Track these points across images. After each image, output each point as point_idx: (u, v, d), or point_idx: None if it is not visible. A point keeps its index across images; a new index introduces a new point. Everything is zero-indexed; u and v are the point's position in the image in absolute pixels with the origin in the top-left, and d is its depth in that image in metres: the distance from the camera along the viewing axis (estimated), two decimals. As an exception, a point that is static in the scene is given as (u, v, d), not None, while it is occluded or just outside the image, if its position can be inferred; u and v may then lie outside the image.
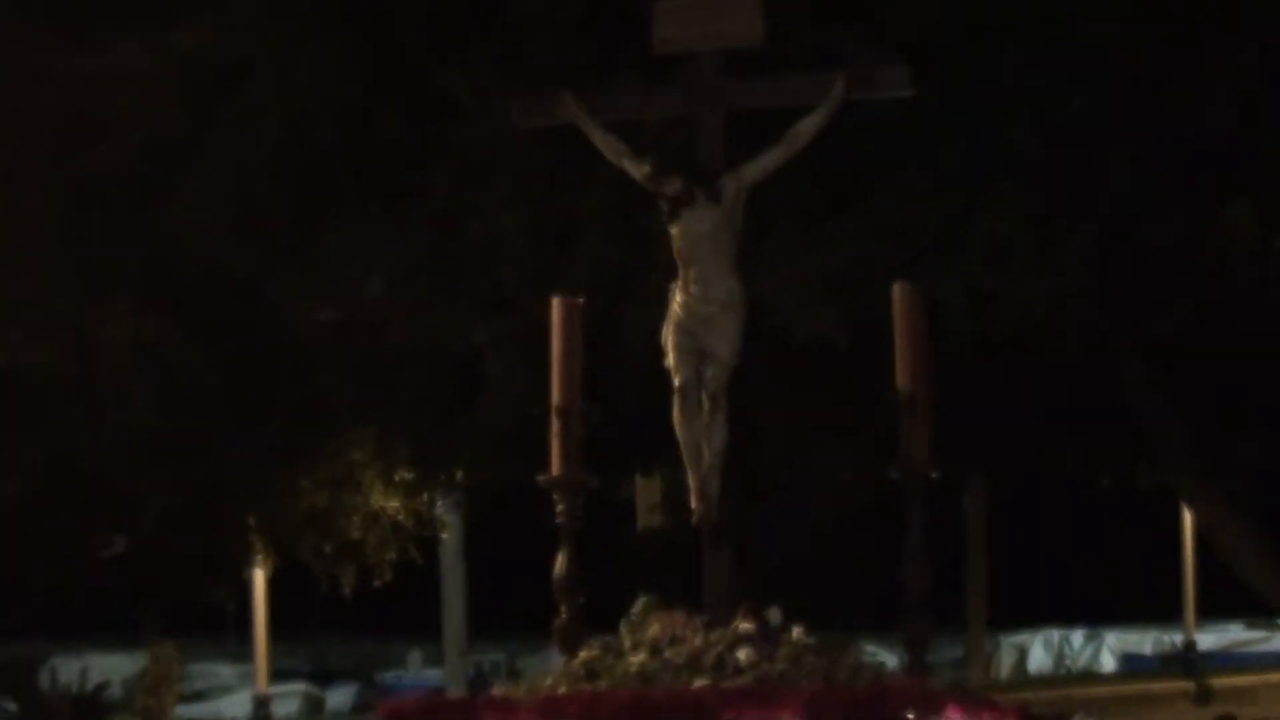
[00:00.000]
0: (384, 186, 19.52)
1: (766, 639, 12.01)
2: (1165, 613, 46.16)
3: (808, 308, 17.10)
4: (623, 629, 12.44)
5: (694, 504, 12.64)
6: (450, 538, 30.91)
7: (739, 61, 12.88)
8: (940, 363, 18.30)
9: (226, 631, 38.45)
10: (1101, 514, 31.63)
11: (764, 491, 21.35)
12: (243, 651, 39.24)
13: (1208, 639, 45.99)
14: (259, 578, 31.79)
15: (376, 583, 25.95)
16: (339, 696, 42.54)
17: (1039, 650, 51.47)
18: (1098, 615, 50.59)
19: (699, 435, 12.59)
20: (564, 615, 12.83)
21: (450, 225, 18.61)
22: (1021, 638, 51.09)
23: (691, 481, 12.60)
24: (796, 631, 12.13)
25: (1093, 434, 21.13)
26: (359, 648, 46.36)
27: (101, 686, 32.80)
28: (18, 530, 22.24)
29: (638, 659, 12.11)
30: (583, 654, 12.45)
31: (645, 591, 12.86)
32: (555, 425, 12.92)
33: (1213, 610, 44.28)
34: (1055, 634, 51.30)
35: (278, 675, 39.28)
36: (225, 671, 46.09)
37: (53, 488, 21.80)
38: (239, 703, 41.46)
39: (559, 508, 12.96)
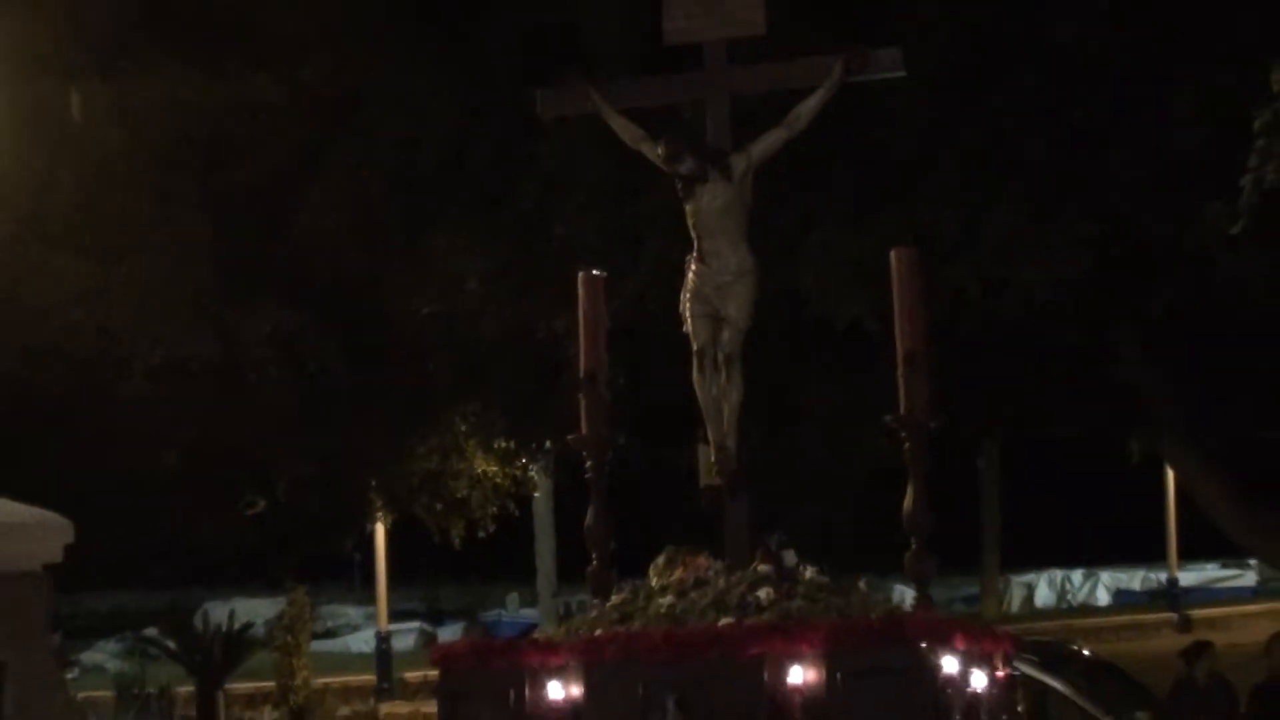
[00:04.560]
0: (479, 198, 19.50)
1: (783, 579, 11.84)
2: (1151, 554, 46.19)
3: (843, 296, 16.96)
4: (650, 574, 12.24)
5: (713, 456, 12.41)
6: (541, 495, 30.90)
7: (743, 48, 12.54)
8: (958, 341, 18.31)
9: (352, 578, 38.54)
10: (1097, 471, 31.39)
11: (805, 456, 21.30)
12: (366, 595, 39.40)
13: (1188, 577, 45.96)
14: (380, 531, 31.90)
15: (480, 534, 26.07)
16: (449, 633, 42.52)
17: (1044, 588, 51.40)
18: (1094, 557, 50.55)
19: (717, 394, 12.41)
20: (595, 562, 12.62)
21: (535, 230, 18.57)
22: (1029, 577, 51.03)
23: (711, 436, 12.35)
24: (810, 571, 11.93)
25: (1091, 402, 20.97)
26: (465, 590, 46.46)
27: (246, 626, 32.82)
28: (176, 495, 22.26)
29: (666, 601, 11.92)
30: (615, 598, 12.27)
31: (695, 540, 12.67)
32: (583, 388, 12.69)
33: (1192, 552, 44.19)
34: (1058, 573, 51.25)
35: (396, 615, 39.42)
36: (352, 612, 46.27)
37: (205, 459, 21.86)
38: (364, 639, 41.64)
39: (588, 464, 12.76)
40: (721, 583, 11.89)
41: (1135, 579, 50.06)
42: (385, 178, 19.58)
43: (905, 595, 42.22)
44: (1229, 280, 17.65)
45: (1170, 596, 43.62)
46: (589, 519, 12.75)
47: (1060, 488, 38.74)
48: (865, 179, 17.90)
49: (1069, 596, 51.04)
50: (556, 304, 18.17)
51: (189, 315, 20.23)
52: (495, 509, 25.78)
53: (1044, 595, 51.21)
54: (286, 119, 19.53)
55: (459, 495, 25.27)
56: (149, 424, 21.04)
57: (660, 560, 12.28)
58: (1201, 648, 18.67)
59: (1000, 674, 11.90)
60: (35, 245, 19.06)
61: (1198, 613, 39.85)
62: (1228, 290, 17.94)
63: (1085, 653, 18.88)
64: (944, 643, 11.31)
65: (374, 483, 25.05)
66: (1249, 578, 46.32)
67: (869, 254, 14.51)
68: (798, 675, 10.95)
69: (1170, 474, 35.23)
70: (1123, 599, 49.69)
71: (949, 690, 11.21)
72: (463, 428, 23.89)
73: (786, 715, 10.96)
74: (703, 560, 12.05)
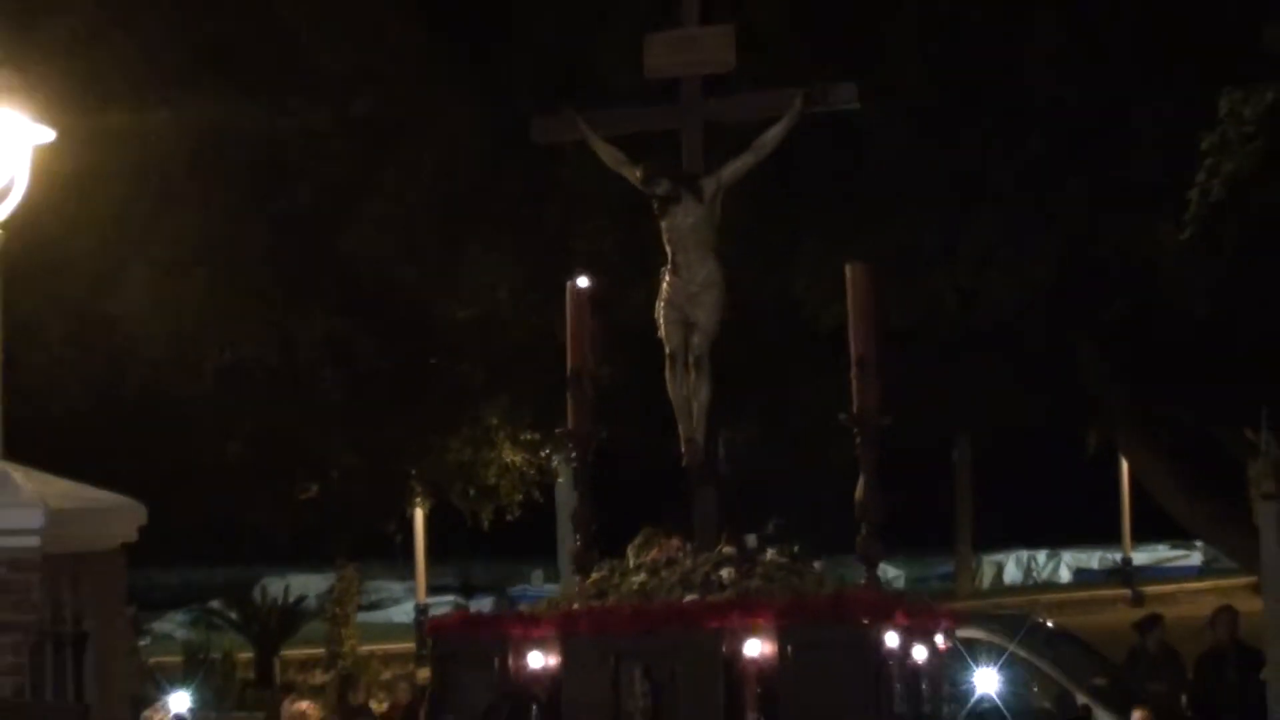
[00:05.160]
0: (509, 217, 19.53)
1: (744, 560, 11.83)
2: (1108, 536, 45.99)
3: (829, 305, 17.00)
4: (628, 553, 12.24)
5: (683, 449, 12.39)
6: (563, 482, 30.84)
7: (714, 83, 12.52)
8: (935, 345, 18.35)
9: (395, 556, 38.38)
10: (1059, 461, 31.36)
11: (796, 445, 21.32)
12: (407, 571, 39.29)
13: (1140, 556, 45.80)
14: (419, 514, 31.87)
15: (508, 517, 26.06)
16: (480, 605, 42.49)
17: (1012, 566, 51.21)
18: (1057, 539, 50.33)
19: (687, 393, 12.38)
20: (578, 542, 12.59)
21: (558, 246, 18.57)
22: (999, 556, 50.83)
23: (682, 431, 12.31)
24: (770, 553, 11.90)
25: (1053, 399, 20.99)
26: (495, 567, 46.31)
27: (300, 599, 32.92)
28: (238, 481, 22.29)
29: (639, 578, 11.87)
30: (594, 574, 12.25)
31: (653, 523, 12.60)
32: (570, 387, 12.63)
33: (1144, 534, 44.06)
34: (1024, 553, 51.04)
35: (433, 589, 39.33)
36: (394, 587, 46.13)
37: (264, 450, 21.87)
38: (404, 610, 41.59)
39: (573, 455, 12.70)
40: (689, 562, 11.88)
41: (1093, 558, 49.87)
42: (426, 199, 19.63)
43: (886, 572, 42.32)
44: (1176, 289, 17.67)
45: (1124, 574, 43.49)
46: (575, 504, 12.74)
47: (1027, 476, 38.65)
48: (852, 201, 17.95)
49: (1034, 574, 50.87)
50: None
51: (250, 322, 20.26)
52: (521, 495, 25.77)
53: (1012, 573, 51.04)
54: (339, 146, 19.56)
55: (489, 482, 25.26)
56: (215, 419, 21.12)
57: (638, 540, 12.26)
58: (1153, 620, 18.73)
59: (941, 647, 11.90)
60: (115, 259, 19.11)
61: (1149, 589, 39.70)
62: (1174, 298, 17.95)
63: (1049, 624, 18.92)
64: (886, 618, 11.29)
65: (414, 471, 25.08)
66: (1195, 558, 46.18)
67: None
68: (753, 647, 10.94)
69: (1124, 464, 35.17)
70: (1082, 576, 49.50)
71: (890, 661, 11.22)
72: (493, 422, 23.91)
73: (743, 684, 10.99)
74: (675, 542, 12.06)
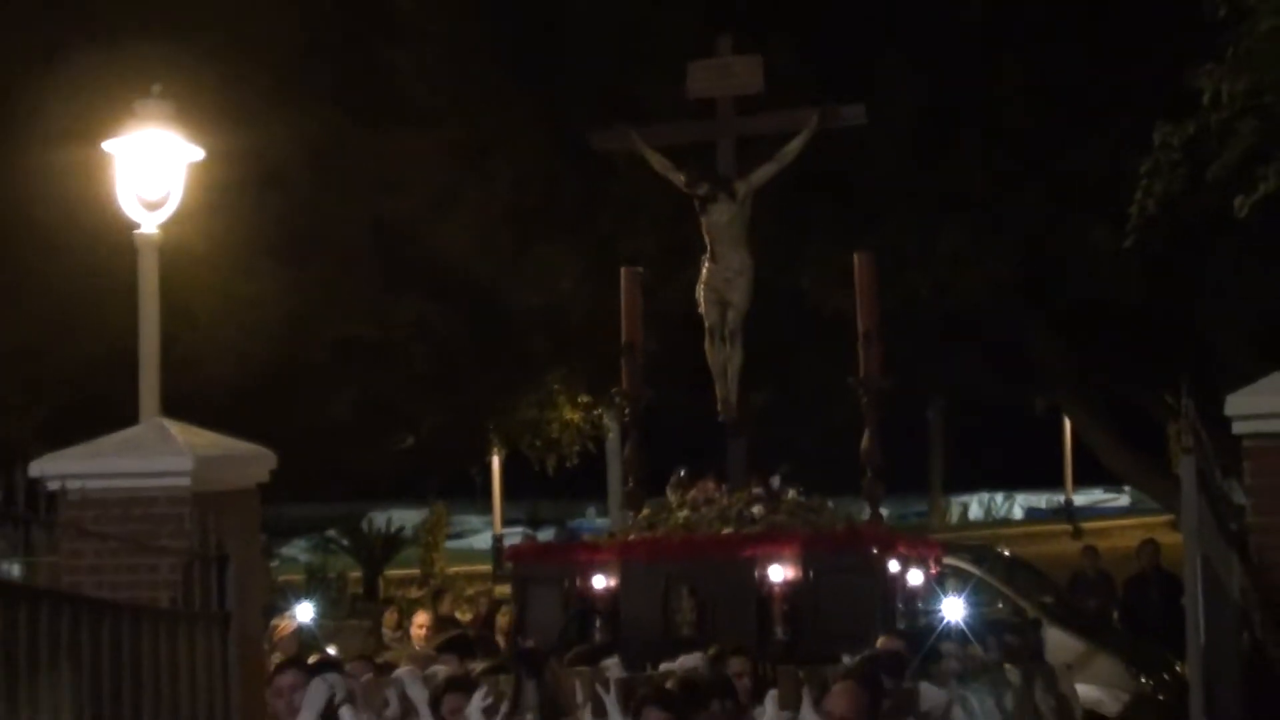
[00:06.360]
0: (570, 221, 19.50)
1: (770, 498, 11.82)
2: (1053, 482, 45.89)
3: (832, 294, 17.01)
4: (669, 493, 12.22)
5: (719, 407, 12.38)
6: (613, 436, 30.88)
7: (746, 102, 12.53)
8: (916, 329, 18.31)
9: (475, 495, 38.48)
10: (1015, 419, 31.28)
11: (803, 407, 21.30)
12: (485, 507, 39.44)
13: (1080, 498, 45.72)
14: (495, 461, 32.01)
15: (567, 464, 26.06)
16: (544, 535, 42.65)
17: (975, 506, 51.18)
18: (1012, 483, 50.27)
19: (723, 360, 12.34)
20: (630, 484, 12.59)
21: (610, 244, 18.57)
22: (964, 498, 50.81)
23: (719, 392, 12.32)
24: (791, 493, 11.89)
25: (1010, 370, 20.95)
26: (557, 505, 46.34)
27: (399, 529, 33.10)
28: (349, 435, 22.34)
29: (682, 514, 11.89)
30: (645, 511, 12.23)
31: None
32: (624, 354, 12.63)
33: (1083, 480, 43.97)
34: (985, 495, 51.01)
35: (507, 522, 39.51)
36: (474, 520, 46.23)
37: (369, 410, 21.88)
38: (483, 539, 41.71)
39: (625, 410, 12.71)
40: (724, 501, 11.90)
41: (1041, 500, 49.82)
42: (501, 207, 19.62)
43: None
44: (1113, 283, 17.61)
45: (1067, 513, 43.44)
46: (626, 451, 12.74)
47: (987, 432, 38.55)
48: (850, 208, 17.92)
49: (993, 512, 50.84)
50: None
51: (356, 306, 20.25)
52: (578, 446, 25.78)
53: (975, 512, 51.00)
54: (430, 163, 19.56)
55: (552, 436, 25.27)
56: (329, 384, 21.17)
57: (673, 480, 12.28)
58: (1090, 550, 18.74)
59: (932, 571, 11.93)
60: (249, 252, 19.17)
61: (1087, 525, 39.64)
62: (1112, 290, 17.90)
63: (1006, 553, 18.91)
64: (889, 548, 11.34)
65: (490, 426, 25.11)
66: (1124, 499, 46.12)
67: (851, 262, 14.59)
68: (780, 572, 11.02)
69: (1067, 422, 35.11)
70: (1032, 514, 49.48)
71: (893, 583, 11.25)
72: (555, 387, 23.93)
73: (771, 601, 11.04)
74: (710, 483, 12.07)
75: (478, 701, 7.36)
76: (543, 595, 11.68)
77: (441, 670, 9.37)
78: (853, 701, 7.14)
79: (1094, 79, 17.05)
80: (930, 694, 8.60)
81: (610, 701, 7.14)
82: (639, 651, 10.33)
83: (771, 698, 7.51)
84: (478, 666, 9.67)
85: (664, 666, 9.64)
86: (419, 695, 8.00)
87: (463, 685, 7.78)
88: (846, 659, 9.40)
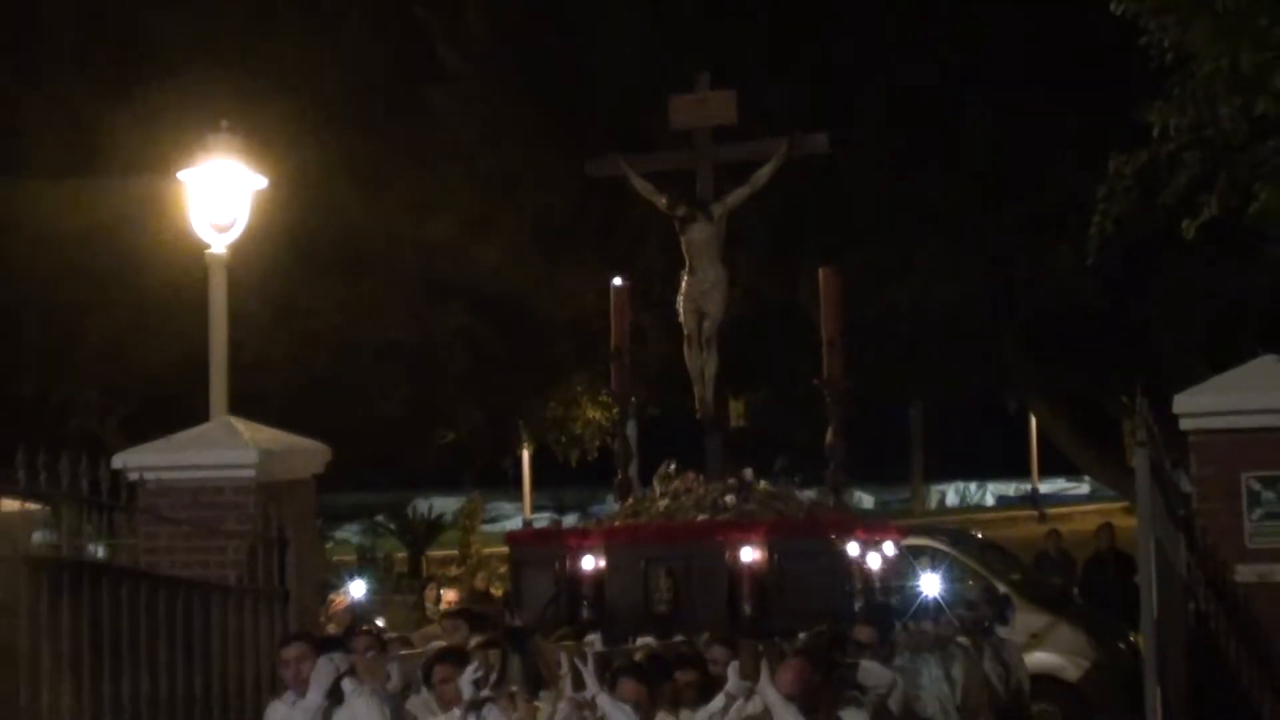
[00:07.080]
0: (591, 242, 19.44)
1: (742, 489, 11.77)
2: (1021, 472, 45.73)
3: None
4: (654, 483, 12.19)
5: (697, 406, 12.35)
6: (631, 433, 30.77)
7: (722, 131, 12.46)
8: (895, 336, 18.25)
9: (507, 485, 38.43)
10: (987, 417, 31.19)
11: (792, 404, 21.20)
12: (516, 495, 39.35)
13: (1045, 487, 45.54)
14: (526, 455, 31.91)
15: (589, 458, 25.94)
16: (569, 520, 42.59)
17: (951, 494, 50.96)
18: (984, 473, 50.09)
19: (700, 364, 12.29)
20: (620, 475, 12.58)
21: (625, 264, 18.48)
22: (942, 486, 50.60)
23: (696, 393, 12.30)
24: (763, 484, 11.85)
25: (982, 373, 20.87)
26: (579, 493, 46.26)
27: (440, 515, 33.03)
28: (394, 430, 22.29)
29: (664, 503, 11.85)
30: (630, 500, 12.19)
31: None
32: (613, 359, 12.65)
33: (1047, 470, 43.82)
34: (961, 484, 50.83)
35: (535, 509, 39.34)
36: (507, 507, 46.00)
37: (413, 408, 21.80)
38: (515, 524, 41.39)
39: (616, 411, 12.71)
40: (701, 490, 11.86)
41: (1010, 488, 49.63)
42: (530, 230, 19.57)
43: (862, 501, 41.90)
44: (1074, 293, 17.55)
45: (1032, 500, 43.31)
46: (618, 446, 12.73)
47: (962, 428, 38.46)
48: (836, 228, 17.84)
49: (967, 499, 50.61)
50: (639, 312, 18.19)
51: (402, 317, 20.19)
52: (599, 442, 25.64)
53: (951, 499, 50.77)
54: (467, 191, 19.52)
55: (576, 432, 25.12)
56: (376, 385, 21.13)
57: (660, 473, 12.26)
58: (1054, 533, 18.67)
59: (891, 555, 11.82)
60: (304, 270, 19.17)
61: (1051, 510, 39.51)
62: (1073, 300, 17.84)
63: (978, 535, 18.85)
64: (848, 533, 11.27)
65: (521, 423, 25.05)
66: (1084, 488, 45.87)
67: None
68: (748, 555, 10.92)
69: (1033, 419, 35.00)
70: (1002, 501, 49.23)
71: (852, 566, 11.16)
72: (579, 389, 23.81)
73: (740, 582, 10.97)
74: (691, 475, 12.04)
75: (469, 674, 7.35)
76: (535, 575, 11.64)
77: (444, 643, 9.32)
78: (798, 677, 7.05)
79: (1056, 109, 17.01)
80: (874, 671, 8.49)
81: (588, 674, 7.13)
82: (620, 627, 10.34)
83: (733, 668, 7.46)
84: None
85: (639, 641, 9.70)
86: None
87: (452, 657, 7.76)
88: (802, 635, 9.32)
